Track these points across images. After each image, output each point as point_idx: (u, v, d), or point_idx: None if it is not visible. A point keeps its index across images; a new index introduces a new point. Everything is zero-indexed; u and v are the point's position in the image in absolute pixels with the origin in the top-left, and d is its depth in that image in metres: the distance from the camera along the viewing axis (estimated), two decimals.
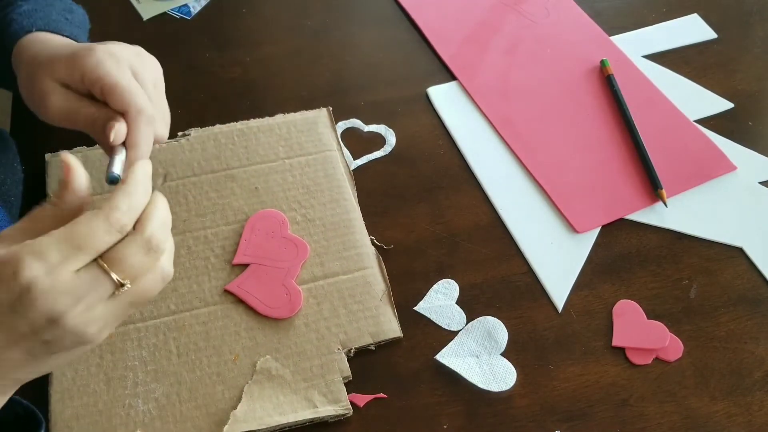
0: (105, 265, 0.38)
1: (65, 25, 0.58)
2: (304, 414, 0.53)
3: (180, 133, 0.69)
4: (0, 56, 0.56)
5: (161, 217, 0.40)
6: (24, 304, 0.36)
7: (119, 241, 0.38)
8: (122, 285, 0.38)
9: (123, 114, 0.47)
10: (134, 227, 0.39)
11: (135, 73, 0.49)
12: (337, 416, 0.54)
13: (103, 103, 0.48)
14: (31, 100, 0.52)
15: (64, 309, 0.37)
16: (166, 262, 0.41)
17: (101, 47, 0.49)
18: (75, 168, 0.40)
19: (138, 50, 0.51)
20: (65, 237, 0.37)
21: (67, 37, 0.56)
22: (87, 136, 0.67)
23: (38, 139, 0.66)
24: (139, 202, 0.40)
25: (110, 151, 0.46)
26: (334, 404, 0.54)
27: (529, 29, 0.84)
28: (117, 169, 0.44)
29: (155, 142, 0.49)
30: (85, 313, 0.38)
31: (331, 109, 0.73)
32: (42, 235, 0.37)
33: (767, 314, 0.61)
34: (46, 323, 0.37)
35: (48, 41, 0.54)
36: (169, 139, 0.68)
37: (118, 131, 0.45)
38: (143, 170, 0.41)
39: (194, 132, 0.69)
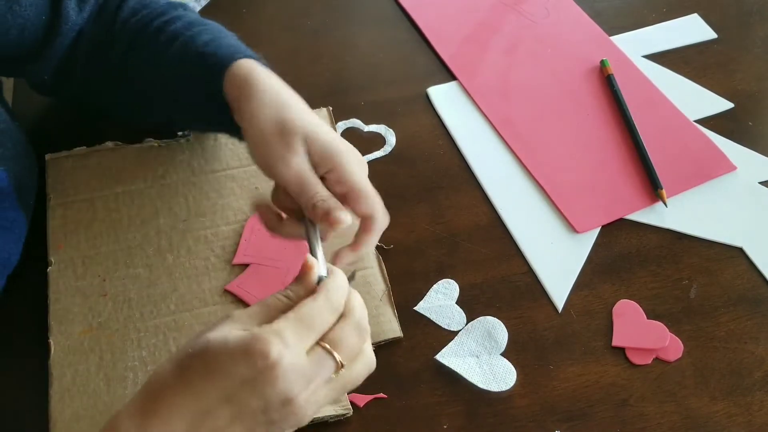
0: (328, 346, 0.40)
1: (249, 49, 0.58)
2: None
3: (180, 133, 0.69)
4: (196, 95, 0.56)
5: (362, 303, 0.44)
6: (266, 381, 0.38)
7: (336, 324, 0.42)
8: (342, 366, 0.41)
9: (363, 218, 0.52)
10: (344, 311, 0.43)
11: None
12: (337, 416, 0.54)
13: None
14: (268, 148, 0.52)
15: (299, 390, 0.39)
16: (370, 349, 0.44)
17: (355, 154, 0.53)
18: (313, 266, 0.44)
19: (364, 160, 0.55)
20: (298, 318, 0.40)
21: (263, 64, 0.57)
22: (87, 136, 0.67)
23: (38, 140, 0.66)
24: (346, 287, 0.44)
25: (318, 238, 0.50)
26: (334, 404, 0.54)
27: (529, 29, 0.84)
28: (323, 270, 0.46)
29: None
30: (311, 395, 0.40)
31: (331, 108, 0.73)
32: (272, 320, 0.40)
33: (767, 314, 0.61)
34: (280, 403, 0.38)
35: (272, 76, 0.55)
36: (169, 139, 0.68)
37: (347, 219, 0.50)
38: (344, 280, 0.45)
39: (194, 131, 0.69)
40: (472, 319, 0.60)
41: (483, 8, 0.86)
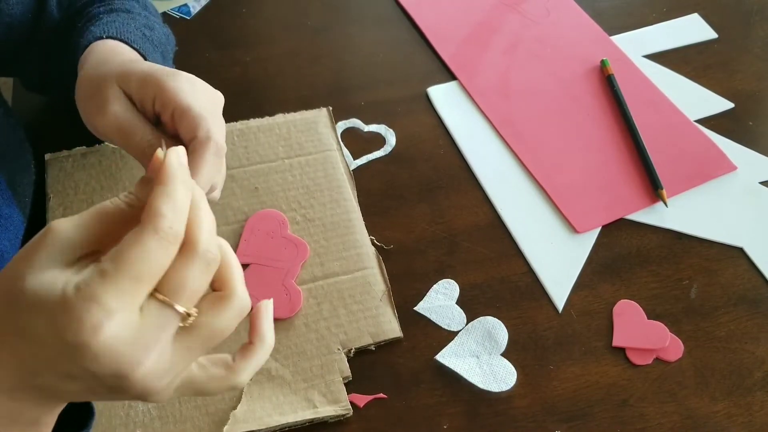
0: (161, 296, 0.32)
1: (140, 39, 0.55)
2: (304, 414, 0.53)
3: None
4: (67, 63, 0.55)
5: (210, 222, 0.34)
6: (84, 359, 0.30)
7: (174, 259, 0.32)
8: (188, 315, 0.33)
9: (188, 142, 0.44)
10: (184, 240, 0.33)
11: (211, 111, 0.47)
12: (337, 416, 0.54)
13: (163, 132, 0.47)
14: (86, 104, 0.48)
15: (134, 363, 0.31)
16: (236, 285, 0.35)
17: (184, 74, 0.47)
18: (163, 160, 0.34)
19: (208, 87, 0.49)
20: (120, 269, 0.30)
21: (136, 50, 0.54)
22: (87, 136, 0.67)
23: (38, 139, 0.66)
24: (184, 204, 0.33)
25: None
26: (334, 404, 0.54)
27: (529, 29, 0.84)
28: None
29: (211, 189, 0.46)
30: (157, 364, 0.32)
31: (331, 108, 0.73)
32: (100, 235, 0.32)
33: (767, 314, 0.61)
34: (114, 378, 0.31)
35: (118, 49, 0.52)
36: None
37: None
38: (177, 161, 0.33)
39: None
40: (472, 319, 0.60)
41: (483, 8, 0.86)
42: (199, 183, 0.42)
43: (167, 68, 0.48)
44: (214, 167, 0.45)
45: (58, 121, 0.70)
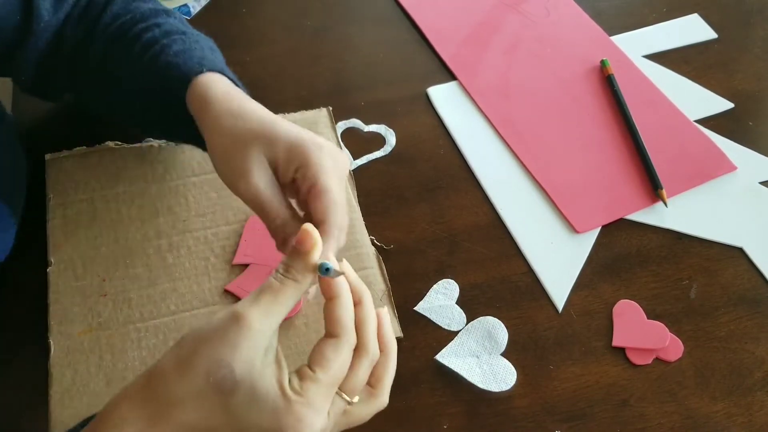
0: (346, 396, 0.40)
1: (221, 63, 0.55)
2: None
3: None
4: (165, 105, 0.54)
5: (374, 321, 0.43)
6: None
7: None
8: (350, 403, 0.41)
9: (318, 223, 0.46)
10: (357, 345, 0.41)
11: (341, 190, 0.48)
12: None
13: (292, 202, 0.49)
14: (226, 164, 0.49)
15: None
16: (385, 390, 0.44)
17: (326, 147, 0.47)
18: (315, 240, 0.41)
19: (345, 159, 0.50)
20: (328, 382, 0.39)
21: (231, 80, 0.53)
22: (87, 137, 0.67)
23: (38, 140, 0.66)
24: (352, 311, 0.42)
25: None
26: None
27: (529, 29, 0.84)
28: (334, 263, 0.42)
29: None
30: None
31: (331, 108, 0.73)
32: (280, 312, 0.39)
33: (767, 314, 0.61)
34: None
35: (233, 92, 0.51)
36: None
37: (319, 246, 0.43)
38: (351, 276, 0.43)
39: None
40: (472, 319, 0.60)
41: (483, 8, 0.86)
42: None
43: (311, 136, 0.48)
44: (331, 250, 0.47)
45: (59, 121, 0.70)
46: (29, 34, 0.57)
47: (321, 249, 0.41)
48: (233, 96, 0.50)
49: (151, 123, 0.61)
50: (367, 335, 0.42)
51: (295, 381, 0.38)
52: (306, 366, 0.39)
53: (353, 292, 0.42)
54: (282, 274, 0.40)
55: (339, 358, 0.39)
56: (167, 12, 0.61)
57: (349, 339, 0.40)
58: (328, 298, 0.41)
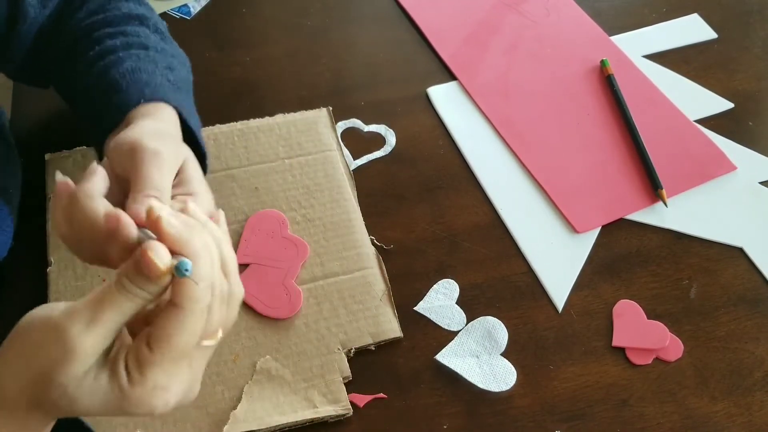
0: (208, 342, 0.37)
1: (169, 89, 0.53)
2: (304, 414, 0.53)
3: None
4: (98, 118, 0.52)
5: (234, 266, 0.38)
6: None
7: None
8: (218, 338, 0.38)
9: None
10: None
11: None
12: (337, 416, 0.54)
13: None
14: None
15: (188, 400, 0.38)
16: (234, 284, 0.38)
17: (148, 146, 0.44)
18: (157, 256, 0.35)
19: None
20: (170, 358, 0.35)
21: (173, 106, 0.52)
22: (86, 137, 0.67)
23: (38, 140, 0.66)
24: (210, 271, 0.36)
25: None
26: (334, 404, 0.54)
27: (529, 29, 0.84)
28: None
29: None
30: (199, 383, 0.38)
31: (331, 108, 0.73)
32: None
33: (767, 314, 0.61)
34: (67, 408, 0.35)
35: (157, 122, 0.49)
36: None
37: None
38: (200, 218, 0.37)
39: None
40: (472, 319, 0.60)
41: (483, 8, 0.86)
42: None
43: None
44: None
45: (58, 121, 0.70)
46: (16, 33, 0.57)
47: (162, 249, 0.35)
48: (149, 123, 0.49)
49: (86, 130, 0.57)
50: (221, 282, 0.37)
51: (133, 367, 0.35)
52: (145, 344, 0.35)
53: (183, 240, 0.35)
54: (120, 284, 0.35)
55: (183, 332, 0.35)
56: (141, 19, 0.59)
57: (196, 303, 0.35)
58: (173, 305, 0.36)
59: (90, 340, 0.34)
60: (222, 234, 0.39)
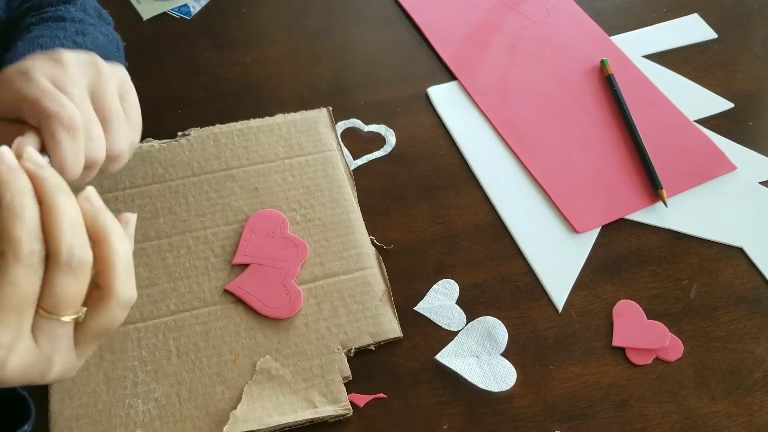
0: (48, 314, 0.33)
1: (69, 41, 0.51)
2: (304, 414, 0.53)
3: (180, 133, 0.69)
4: None
5: (70, 218, 0.33)
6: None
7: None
8: (78, 319, 0.34)
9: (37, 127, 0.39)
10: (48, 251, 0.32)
11: (74, 82, 0.42)
12: (337, 416, 0.54)
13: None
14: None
15: (41, 375, 0.34)
16: (118, 283, 0.35)
17: (13, 69, 0.41)
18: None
19: (85, 61, 0.44)
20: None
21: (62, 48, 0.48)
22: None
23: None
24: (34, 216, 0.32)
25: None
26: (334, 404, 0.54)
27: (529, 29, 0.84)
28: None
29: (112, 154, 0.44)
30: (60, 367, 0.35)
31: (331, 108, 0.73)
32: None
33: (767, 314, 0.61)
34: (27, 386, 0.35)
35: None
36: (168, 139, 0.68)
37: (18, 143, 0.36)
38: (8, 167, 0.32)
39: (194, 132, 0.69)
40: (472, 319, 0.60)
41: (483, 8, 0.86)
42: (57, 167, 0.38)
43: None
44: (71, 144, 0.39)
45: None
46: None
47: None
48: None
49: None
50: (55, 239, 0.32)
51: None
52: None
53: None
54: None
55: (5, 281, 0.31)
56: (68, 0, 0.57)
57: (18, 254, 0.31)
58: None
59: None
60: (61, 183, 0.34)
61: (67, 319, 0.33)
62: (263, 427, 0.52)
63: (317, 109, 0.73)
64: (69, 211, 0.33)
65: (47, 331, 0.33)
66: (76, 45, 0.51)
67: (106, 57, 0.50)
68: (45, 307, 0.33)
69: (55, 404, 0.53)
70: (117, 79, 0.46)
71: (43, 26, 0.54)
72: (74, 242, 0.33)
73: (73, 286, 0.33)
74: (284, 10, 0.84)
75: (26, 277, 0.31)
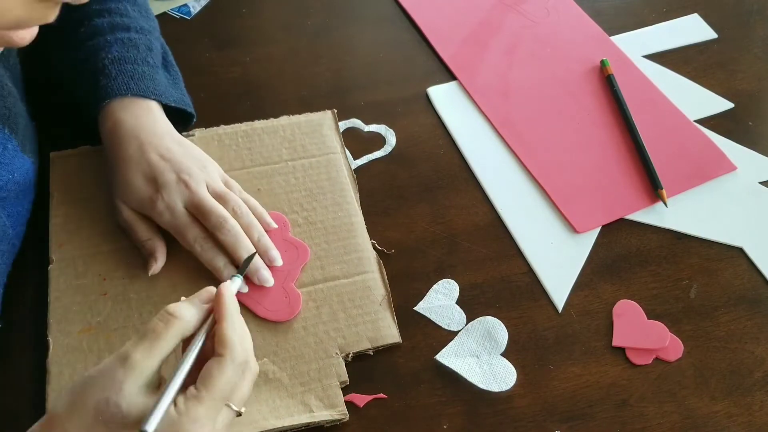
0: (235, 408, 0.44)
1: (149, 78, 0.62)
2: (300, 418, 0.53)
3: (184, 134, 0.69)
4: (82, 95, 0.62)
5: (249, 336, 0.46)
6: None
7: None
8: (240, 414, 0.44)
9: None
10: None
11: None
12: (333, 421, 0.53)
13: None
14: (111, 178, 0.60)
15: None
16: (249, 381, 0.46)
17: (161, 204, 0.57)
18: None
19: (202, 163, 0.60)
20: (211, 395, 0.42)
21: (153, 99, 0.62)
22: (91, 135, 0.67)
23: (43, 138, 0.66)
24: (244, 331, 0.46)
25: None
26: (331, 409, 0.54)
27: (529, 29, 0.84)
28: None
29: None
30: None
31: (335, 111, 0.73)
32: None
33: (767, 314, 0.61)
34: None
35: (140, 119, 0.60)
36: None
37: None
38: (231, 294, 0.47)
39: (198, 133, 0.69)
40: (472, 319, 0.60)
41: (483, 8, 0.86)
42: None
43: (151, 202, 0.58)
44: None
45: (63, 120, 0.70)
46: None
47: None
48: (140, 126, 0.60)
49: (69, 97, 0.66)
50: (249, 352, 0.45)
51: (181, 401, 0.41)
52: (193, 386, 0.42)
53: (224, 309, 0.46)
54: (165, 316, 0.45)
55: (223, 376, 0.42)
56: None
57: (234, 357, 0.43)
58: (217, 319, 0.45)
59: (147, 362, 0.42)
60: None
61: (242, 410, 0.44)
62: (259, 430, 0.52)
63: (322, 112, 0.72)
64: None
65: (225, 419, 0.43)
66: (149, 67, 0.64)
67: (168, 65, 0.69)
68: (232, 400, 0.43)
69: (53, 403, 0.53)
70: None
71: (117, 39, 0.63)
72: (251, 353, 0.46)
73: (249, 389, 0.45)
74: (284, 10, 0.84)
75: (234, 376, 0.43)
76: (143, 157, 0.58)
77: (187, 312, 0.45)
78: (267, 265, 0.59)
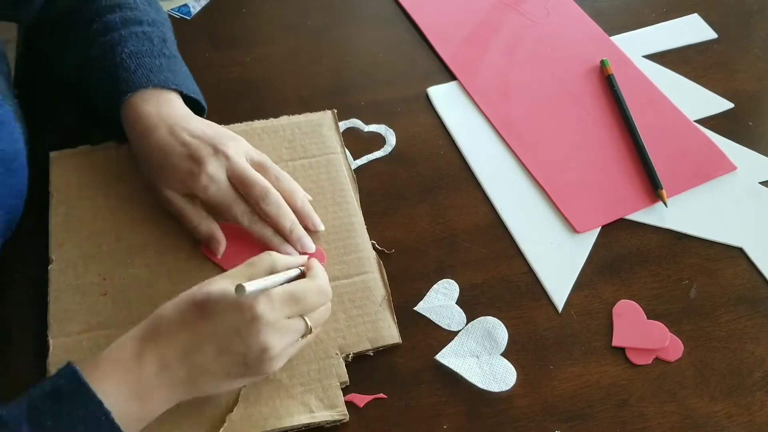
0: (308, 322, 0.50)
1: (167, 70, 0.63)
2: (300, 419, 0.53)
3: None
4: (102, 92, 0.63)
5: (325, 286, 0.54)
6: (250, 331, 0.47)
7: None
8: (310, 331, 0.51)
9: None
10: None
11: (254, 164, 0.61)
12: (333, 422, 0.53)
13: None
14: (155, 172, 0.60)
15: (274, 344, 0.48)
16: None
17: (205, 177, 0.58)
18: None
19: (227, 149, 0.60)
20: (289, 291, 0.50)
21: (174, 90, 0.63)
22: (91, 135, 0.67)
23: (43, 138, 0.66)
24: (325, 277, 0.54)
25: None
26: (331, 410, 0.54)
27: (529, 29, 0.84)
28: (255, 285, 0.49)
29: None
30: (283, 350, 0.50)
31: (335, 111, 0.73)
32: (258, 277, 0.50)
33: (767, 314, 0.61)
34: (258, 351, 0.48)
35: (162, 108, 0.61)
36: None
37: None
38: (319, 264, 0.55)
39: None
40: (472, 319, 0.60)
41: (483, 8, 0.86)
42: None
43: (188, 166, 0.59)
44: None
45: (63, 120, 0.70)
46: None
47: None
48: (165, 114, 0.61)
49: (85, 95, 0.67)
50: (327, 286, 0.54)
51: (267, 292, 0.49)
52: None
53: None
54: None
55: (309, 285, 0.51)
56: None
57: (321, 285, 0.52)
58: (308, 267, 0.54)
59: (238, 273, 0.51)
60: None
61: (311, 325, 0.51)
62: (259, 430, 0.52)
63: (322, 112, 0.72)
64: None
65: (295, 323, 0.50)
66: (166, 58, 0.65)
67: (177, 52, 0.69)
68: (311, 319, 0.51)
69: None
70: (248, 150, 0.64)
71: (131, 34, 0.64)
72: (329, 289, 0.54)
73: (325, 316, 0.54)
74: (284, 10, 0.84)
75: (316, 297, 0.52)
76: (176, 139, 0.59)
77: (278, 255, 0.53)
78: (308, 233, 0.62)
